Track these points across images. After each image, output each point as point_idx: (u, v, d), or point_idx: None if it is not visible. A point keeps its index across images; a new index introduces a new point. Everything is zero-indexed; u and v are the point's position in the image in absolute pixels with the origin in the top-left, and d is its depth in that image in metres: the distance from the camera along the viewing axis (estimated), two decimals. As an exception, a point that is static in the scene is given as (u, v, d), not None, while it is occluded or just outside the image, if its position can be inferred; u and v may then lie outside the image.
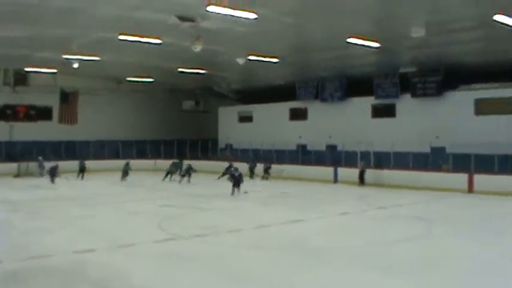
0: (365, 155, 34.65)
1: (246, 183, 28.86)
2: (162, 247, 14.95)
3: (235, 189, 27.35)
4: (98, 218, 20.36)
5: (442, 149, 33.26)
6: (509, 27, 22.48)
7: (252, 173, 37.02)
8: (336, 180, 35.46)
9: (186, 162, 36.52)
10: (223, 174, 34.91)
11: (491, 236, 16.75)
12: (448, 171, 30.98)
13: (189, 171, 34.00)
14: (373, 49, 28.66)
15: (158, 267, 12.72)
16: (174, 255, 13.95)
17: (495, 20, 21.25)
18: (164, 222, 19.17)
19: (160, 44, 27.74)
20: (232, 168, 31.87)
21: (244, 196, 26.88)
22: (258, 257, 14.04)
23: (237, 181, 27.70)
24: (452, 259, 13.56)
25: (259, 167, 37.42)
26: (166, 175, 35.54)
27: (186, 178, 33.77)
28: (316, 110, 42.50)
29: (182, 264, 13.05)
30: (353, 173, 33.40)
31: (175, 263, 13.20)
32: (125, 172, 35.24)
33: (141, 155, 45.83)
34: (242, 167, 33.34)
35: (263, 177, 36.90)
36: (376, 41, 27.32)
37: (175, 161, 37.78)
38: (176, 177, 35.04)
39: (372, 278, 11.81)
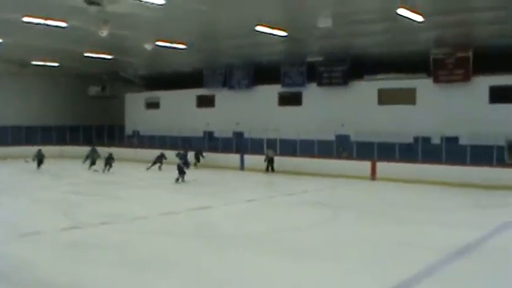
0: (272, 143, 35.06)
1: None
2: (68, 235, 14.68)
3: (181, 177, 27.41)
4: (1, 207, 19.75)
5: (347, 137, 33.99)
6: (411, 21, 23.26)
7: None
8: (242, 168, 35.72)
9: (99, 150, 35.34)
10: (154, 163, 34.09)
11: (391, 224, 17.39)
12: (349, 158, 31.85)
13: (109, 160, 32.50)
14: (281, 38, 28.92)
15: (64, 256, 12.52)
16: (80, 244, 13.72)
17: (398, 14, 21.91)
18: (70, 210, 18.86)
19: (65, 27, 27.04)
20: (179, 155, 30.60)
21: (154, 183, 26.69)
22: (165, 243, 14.06)
23: (179, 169, 27.58)
24: (354, 246, 13.97)
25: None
26: (93, 163, 33.43)
27: (107, 167, 32.23)
28: (223, 97, 42.42)
29: (89, 252, 12.87)
30: (260, 160, 33.68)
31: (81, 251, 12.98)
32: (39, 160, 33.61)
33: (46, 141, 44.40)
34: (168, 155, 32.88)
35: (195, 164, 36.48)
36: (284, 30, 27.57)
37: (94, 147, 35.98)
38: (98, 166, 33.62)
39: (277, 263, 12.04)
